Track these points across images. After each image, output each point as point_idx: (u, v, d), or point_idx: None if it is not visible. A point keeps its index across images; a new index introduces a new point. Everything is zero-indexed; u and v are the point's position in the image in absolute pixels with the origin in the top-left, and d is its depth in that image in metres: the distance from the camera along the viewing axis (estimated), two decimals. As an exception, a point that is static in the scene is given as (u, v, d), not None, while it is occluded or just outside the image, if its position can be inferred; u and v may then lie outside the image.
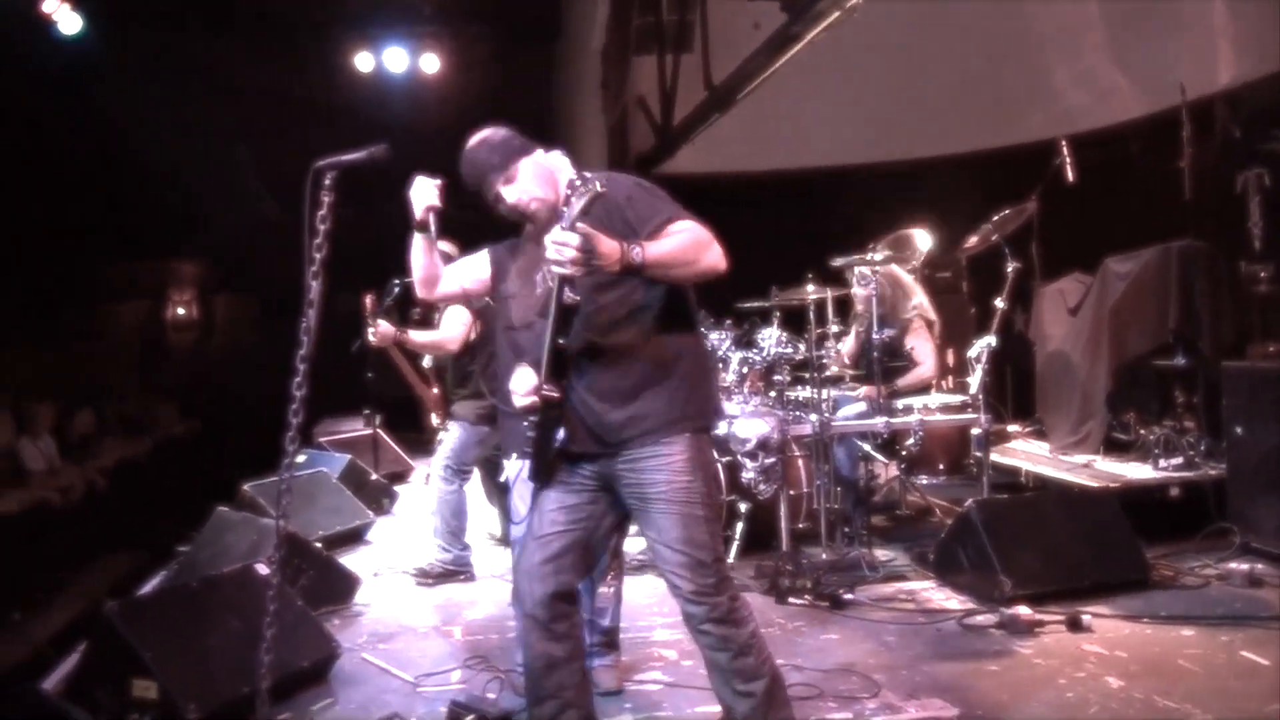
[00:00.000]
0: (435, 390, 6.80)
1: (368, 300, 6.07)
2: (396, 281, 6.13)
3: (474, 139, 3.37)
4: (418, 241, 3.59)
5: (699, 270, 3.04)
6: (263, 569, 4.54)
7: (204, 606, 4.39)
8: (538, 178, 3.29)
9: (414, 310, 6.50)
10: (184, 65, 12.91)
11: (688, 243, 3.01)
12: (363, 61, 12.58)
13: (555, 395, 3.08)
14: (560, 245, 2.82)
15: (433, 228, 3.62)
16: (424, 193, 3.53)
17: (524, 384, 3.19)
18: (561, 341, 3.03)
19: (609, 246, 2.87)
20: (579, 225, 2.82)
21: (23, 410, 10.07)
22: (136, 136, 13.01)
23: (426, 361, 6.66)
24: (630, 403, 3.13)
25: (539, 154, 3.33)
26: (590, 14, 11.90)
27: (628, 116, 11.36)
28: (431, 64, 12.58)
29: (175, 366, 16.45)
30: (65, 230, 13.54)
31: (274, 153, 13.81)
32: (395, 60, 12.49)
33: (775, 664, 3.24)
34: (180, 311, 17.03)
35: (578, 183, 2.86)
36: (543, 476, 3.26)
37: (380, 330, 5.85)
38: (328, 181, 3.72)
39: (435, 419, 6.73)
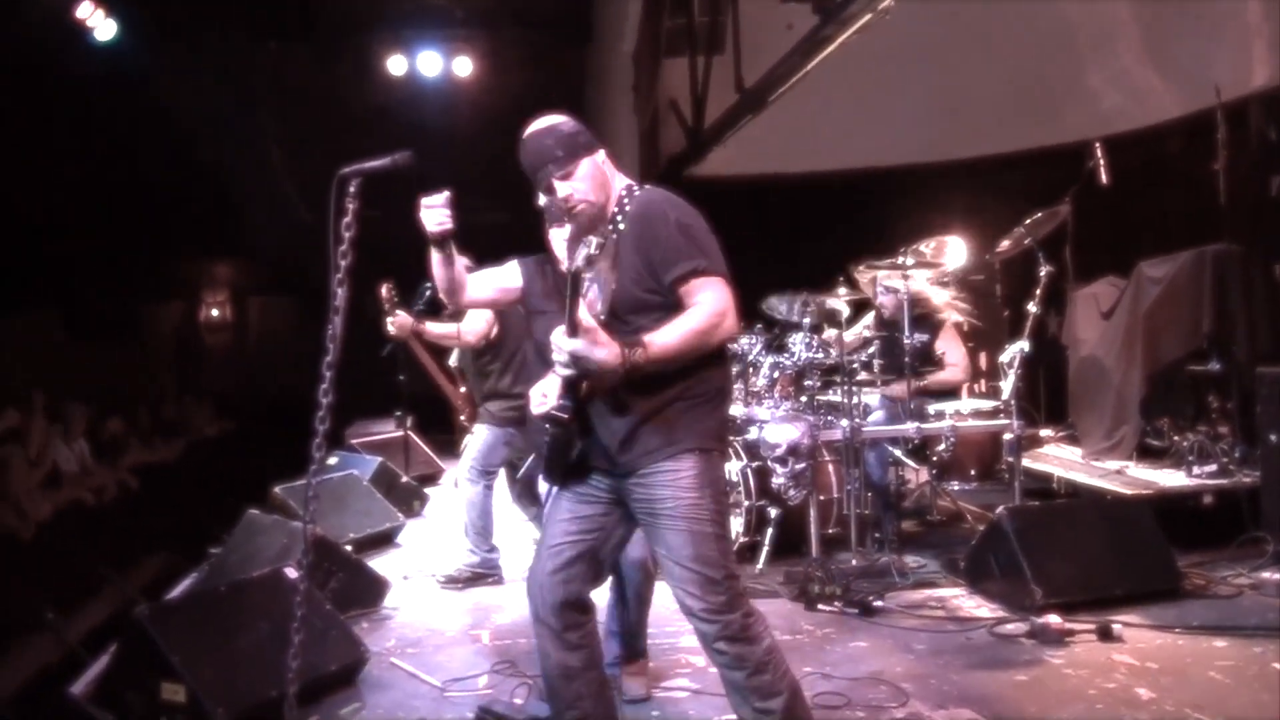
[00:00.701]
0: (463, 389, 6.81)
1: (384, 289, 6.07)
2: (428, 285, 6.16)
3: (541, 123, 3.26)
4: (435, 256, 3.54)
5: (709, 350, 3.05)
6: (292, 572, 4.56)
7: (233, 610, 4.42)
8: (593, 179, 3.19)
9: (445, 312, 6.51)
10: (218, 69, 13.02)
11: (695, 332, 2.98)
12: (396, 65, 12.65)
13: (563, 417, 3.06)
14: (559, 349, 2.87)
15: (448, 243, 3.59)
16: (433, 214, 3.45)
17: (544, 393, 3.19)
18: (584, 386, 3.04)
19: (608, 356, 2.88)
20: (573, 350, 2.84)
21: (57, 411, 10.17)
22: (171, 139, 13.14)
23: (453, 360, 6.66)
24: (643, 423, 3.10)
25: (600, 155, 3.22)
26: (621, 16, 11.90)
27: (659, 119, 11.35)
28: (464, 67, 12.64)
29: (210, 368, 16.59)
30: (100, 231, 13.68)
31: (308, 155, 13.92)
32: (429, 64, 12.55)
33: (794, 678, 3.20)
34: (215, 313, 17.17)
35: (580, 256, 2.78)
36: (556, 480, 3.27)
37: (399, 320, 5.91)
38: (352, 188, 3.75)
39: (463, 417, 6.74)
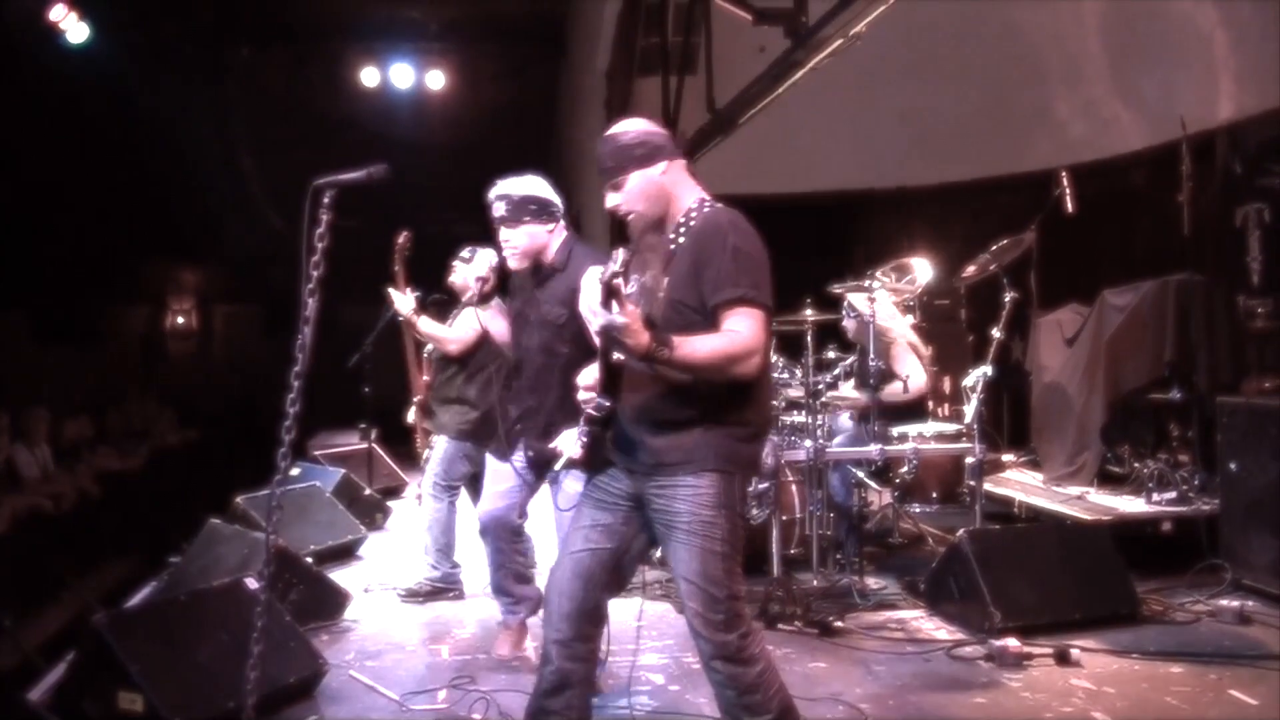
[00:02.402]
0: (425, 378, 6.67)
1: (402, 236, 5.96)
2: (441, 295, 6.19)
3: (611, 130, 3.31)
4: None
5: (725, 378, 3.07)
6: (252, 583, 4.53)
7: (193, 620, 4.38)
8: (643, 192, 3.22)
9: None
10: (191, 75, 12.98)
11: (722, 354, 3.01)
12: (369, 76, 12.64)
13: (595, 414, 3.11)
14: (594, 319, 2.92)
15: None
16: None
17: (584, 387, 3.24)
18: (617, 357, 3.06)
19: (638, 339, 2.90)
20: (617, 315, 2.85)
21: (19, 415, 10.06)
22: (142, 143, 13.07)
23: (427, 349, 6.59)
24: (673, 431, 3.14)
25: (658, 169, 3.22)
26: (595, 34, 11.95)
27: (631, 137, 11.38)
28: (437, 80, 12.65)
29: (174, 375, 16.47)
30: (66, 234, 13.58)
31: (279, 164, 13.89)
32: (401, 76, 12.55)
33: (786, 697, 3.23)
34: (180, 320, 17.06)
35: (616, 262, 2.86)
36: (591, 474, 3.32)
37: (405, 301, 5.76)
38: (326, 199, 3.75)
39: (412, 412, 6.63)
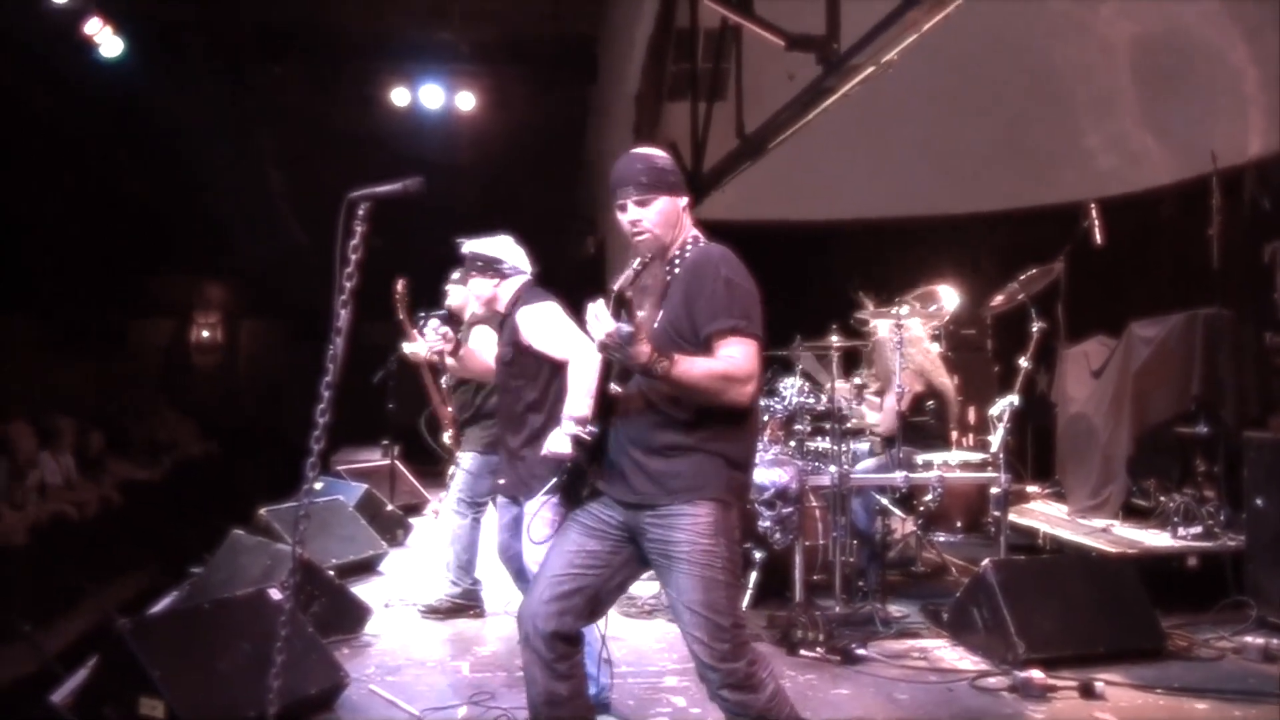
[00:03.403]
0: (450, 409, 6.72)
1: (399, 285, 5.98)
2: (431, 313, 6.14)
3: (642, 149, 3.43)
4: None
5: (718, 403, 3.11)
6: (275, 594, 4.54)
7: (215, 628, 4.40)
8: (665, 217, 3.30)
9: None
10: (222, 90, 13.10)
11: (715, 378, 3.06)
12: (399, 96, 12.72)
13: (586, 440, 3.19)
14: (600, 325, 2.98)
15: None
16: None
17: (574, 411, 3.35)
18: (613, 387, 3.16)
19: (641, 349, 2.97)
20: (616, 330, 2.94)
21: (44, 424, 10.13)
22: (172, 157, 13.19)
23: (444, 378, 6.62)
24: (669, 459, 3.16)
25: (682, 201, 3.34)
26: (626, 58, 12.02)
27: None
28: (467, 102, 12.71)
29: (198, 388, 16.56)
30: (94, 246, 13.69)
31: (307, 180, 13.98)
32: (431, 96, 12.62)
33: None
34: (205, 334, 17.15)
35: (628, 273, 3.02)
36: (570, 505, 3.33)
37: (415, 351, 5.81)
38: (361, 212, 3.78)
39: (447, 437, 6.67)
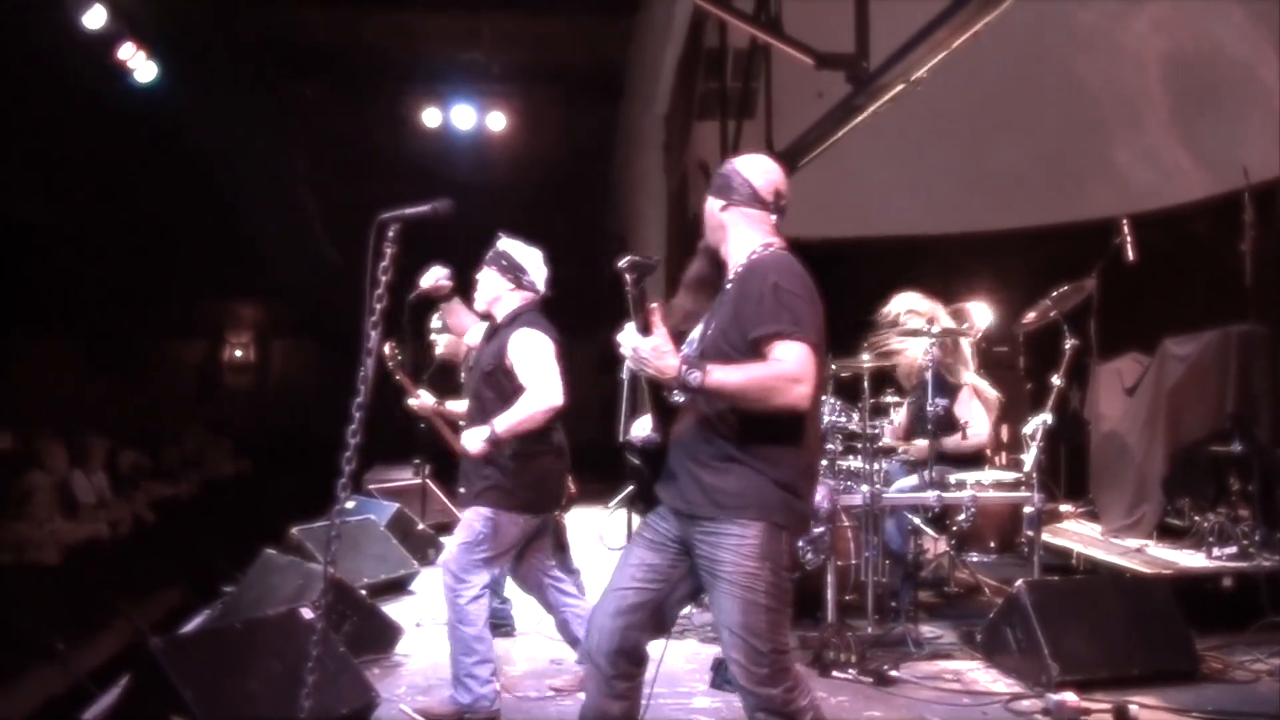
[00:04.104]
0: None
1: (386, 347, 5.83)
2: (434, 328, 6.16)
3: (736, 159, 3.46)
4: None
5: (768, 409, 3.04)
6: (307, 613, 4.55)
7: (247, 648, 4.41)
8: (710, 219, 3.41)
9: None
10: (255, 112, 13.24)
11: (758, 381, 3.02)
12: (430, 116, 12.81)
13: (644, 449, 3.30)
14: (625, 343, 3.07)
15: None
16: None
17: (641, 427, 3.38)
18: (675, 397, 3.22)
19: (666, 365, 3.00)
20: (637, 347, 3.03)
21: (77, 443, 10.23)
22: (205, 178, 13.34)
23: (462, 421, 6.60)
24: (717, 472, 3.14)
25: (717, 204, 3.36)
26: (655, 78, 12.07)
27: (689, 179, 11.47)
28: (498, 122, 12.79)
29: (230, 407, 16.68)
30: (127, 268, 13.85)
31: (339, 201, 14.11)
32: (462, 117, 12.70)
33: None
34: (238, 353, 17.29)
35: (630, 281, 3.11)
36: (641, 510, 3.46)
37: (421, 403, 5.74)
38: (391, 233, 3.81)
39: None
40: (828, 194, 10.10)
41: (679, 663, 5.43)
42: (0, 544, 8.87)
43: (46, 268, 12.34)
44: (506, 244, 4.84)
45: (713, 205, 3.37)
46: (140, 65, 10.57)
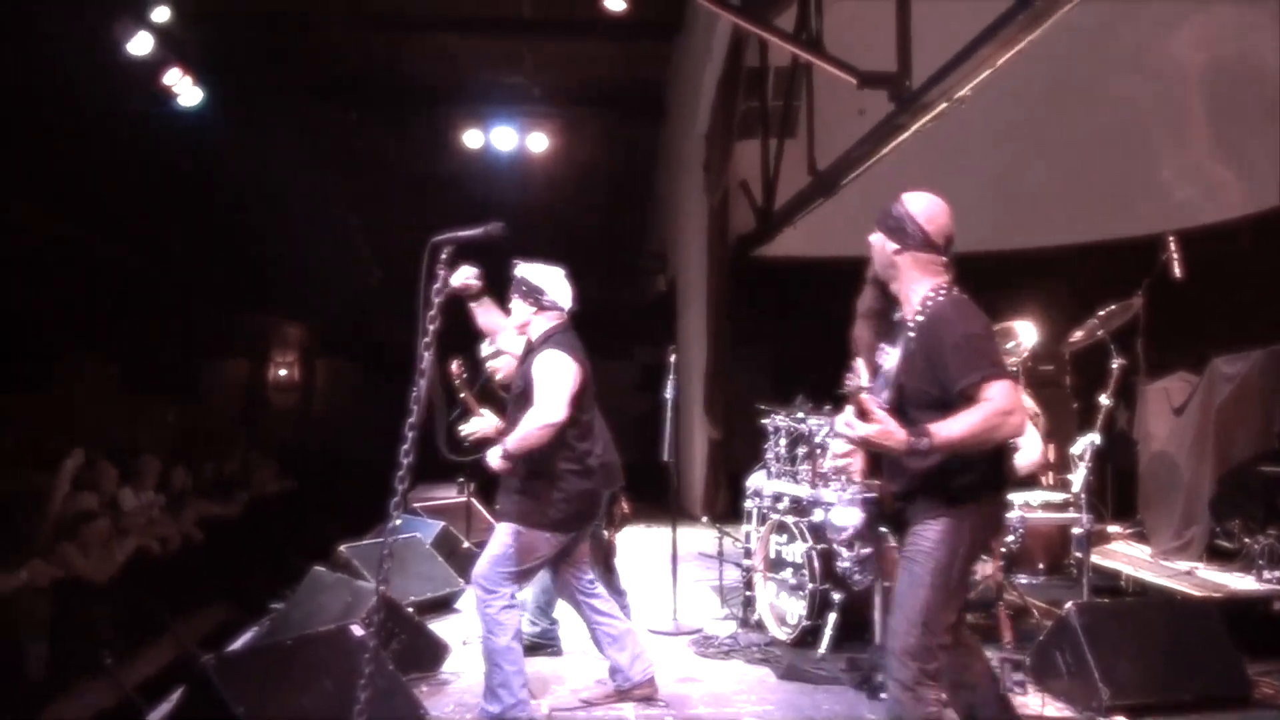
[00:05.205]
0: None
1: (454, 365, 5.80)
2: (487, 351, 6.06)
3: (904, 196, 3.74)
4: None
5: (992, 445, 3.40)
6: (358, 630, 4.59)
7: (298, 665, 4.45)
8: (876, 253, 3.70)
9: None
10: (298, 134, 13.40)
11: (978, 426, 3.31)
12: (472, 138, 12.90)
13: (871, 497, 3.74)
14: (851, 431, 3.40)
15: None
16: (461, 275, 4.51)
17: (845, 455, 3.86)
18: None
19: (895, 443, 3.32)
20: (864, 434, 3.36)
21: (126, 460, 10.35)
22: (250, 201, 13.51)
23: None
24: (922, 489, 3.50)
25: (891, 246, 3.62)
26: (695, 98, 12.11)
27: (729, 198, 11.48)
28: (538, 143, 12.86)
29: (275, 426, 16.82)
30: (173, 290, 14.04)
31: (381, 222, 14.25)
32: (503, 138, 12.78)
33: None
34: (282, 373, 17.44)
35: (850, 380, 3.47)
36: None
37: (484, 424, 5.60)
38: (444, 256, 3.86)
39: None
40: (872, 212, 10.08)
41: (727, 685, 5.42)
42: (53, 561, 8.97)
43: (94, 289, 12.53)
44: (523, 269, 4.94)
45: (885, 245, 3.62)
46: (185, 90, 10.73)
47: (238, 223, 13.73)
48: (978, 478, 3.47)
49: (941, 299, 3.52)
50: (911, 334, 3.53)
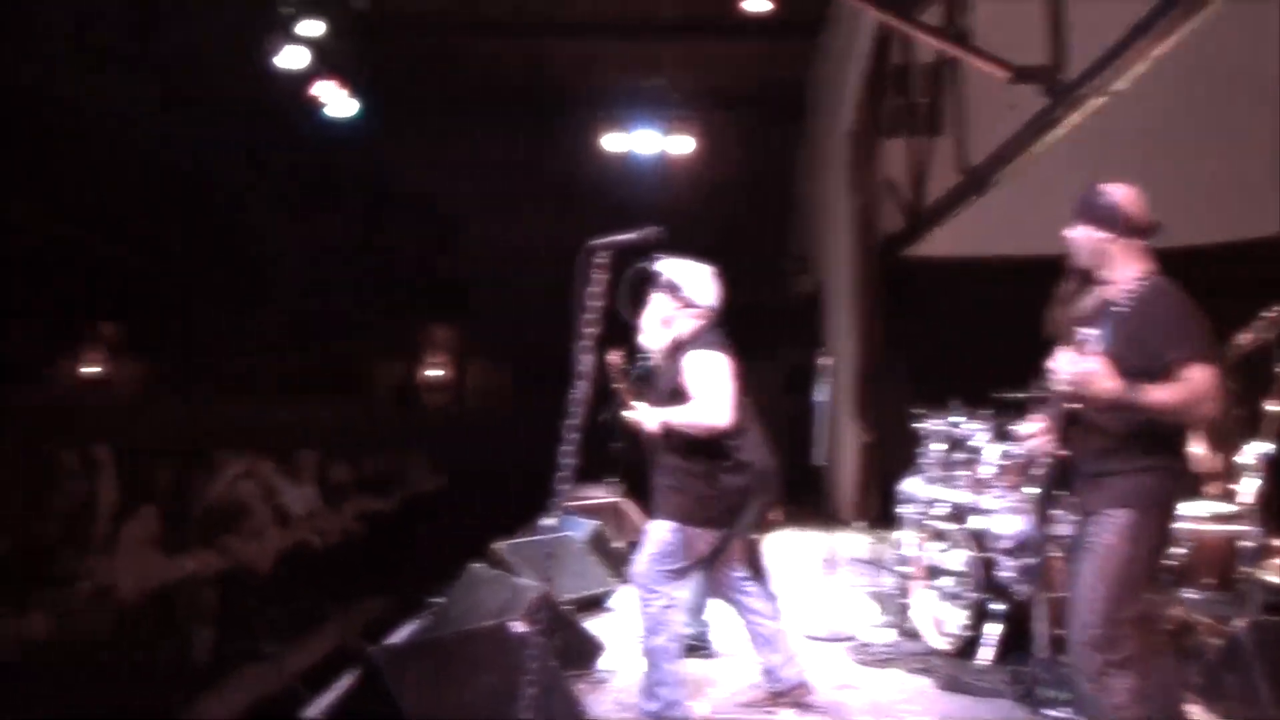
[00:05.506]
0: None
1: (614, 356, 5.60)
2: (644, 356, 5.99)
3: (1103, 187, 3.95)
4: None
5: (1183, 419, 3.61)
6: (518, 627, 4.67)
7: (460, 660, 4.54)
8: (1079, 244, 3.92)
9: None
10: (445, 145, 13.75)
11: (1182, 400, 3.50)
12: (613, 142, 13.01)
13: (1059, 454, 3.81)
14: (1066, 369, 3.57)
15: None
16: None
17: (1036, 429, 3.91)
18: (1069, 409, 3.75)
19: (1109, 386, 3.50)
20: (1081, 371, 3.52)
21: (289, 456, 10.79)
22: (399, 208, 13.92)
23: None
24: (1109, 476, 3.65)
25: (1101, 234, 3.84)
26: (839, 97, 12.01)
27: (876, 198, 11.35)
28: (680, 146, 12.90)
29: (428, 425, 17.25)
30: (333, 294, 14.57)
31: (526, 227, 14.51)
32: (645, 142, 12.86)
33: None
34: (434, 373, 17.89)
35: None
36: (1040, 515, 4.17)
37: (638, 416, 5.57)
38: (601, 260, 3.93)
39: None
40: (1024, 210, 9.80)
41: (889, 693, 5.37)
42: (216, 551, 9.40)
43: (262, 298, 13.09)
44: (662, 264, 4.92)
45: (1094, 234, 3.82)
46: (341, 102, 11.09)
47: (388, 228, 14.16)
48: (1163, 470, 3.62)
49: (1156, 280, 3.73)
50: (1123, 308, 3.70)
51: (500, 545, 6.81)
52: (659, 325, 4.95)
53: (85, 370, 16.86)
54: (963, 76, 9.43)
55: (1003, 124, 7.95)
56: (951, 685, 5.45)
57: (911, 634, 6.28)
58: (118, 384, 16.60)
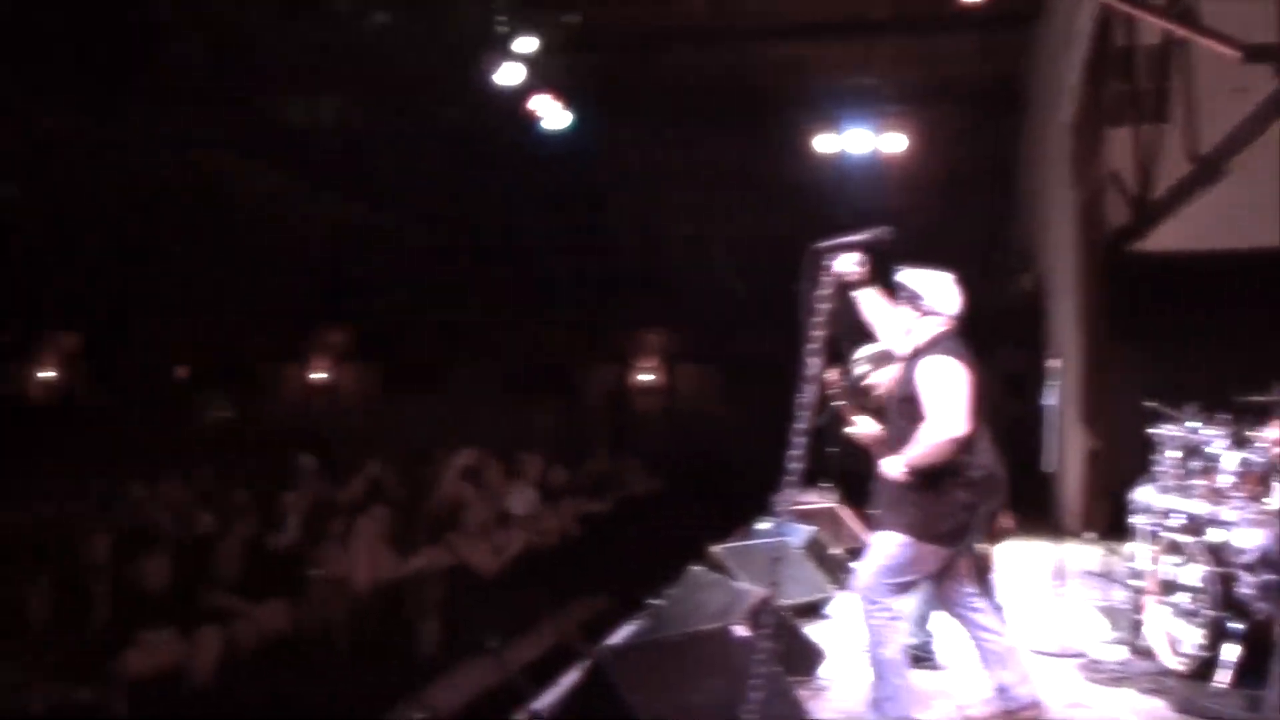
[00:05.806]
0: None
1: (832, 375, 5.67)
2: (860, 359, 5.91)
3: None
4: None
5: None
6: (741, 631, 4.69)
7: (685, 662, 4.61)
8: None
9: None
10: (656, 148, 13.94)
11: None
12: (825, 142, 12.91)
13: None
14: None
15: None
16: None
17: None
18: None
19: None
20: None
21: (512, 460, 11.18)
22: (612, 215, 14.21)
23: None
24: None
25: None
26: (1058, 86, 11.58)
27: (1101, 191, 10.90)
28: (893, 144, 12.69)
29: (641, 428, 17.53)
30: (552, 303, 15.01)
31: (737, 230, 14.57)
32: (857, 141, 12.71)
33: None
34: (646, 378, 18.18)
35: None
36: None
37: (861, 431, 5.49)
38: (828, 263, 3.93)
39: None
40: (1261, 199, 9.26)
41: (1123, 714, 5.16)
42: (442, 549, 9.81)
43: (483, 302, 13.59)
44: (903, 274, 4.88)
45: None
46: (554, 114, 11.40)
47: (604, 236, 14.47)
48: None
49: None
50: None
51: (718, 549, 6.86)
52: (902, 337, 4.90)
53: (314, 376, 18.00)
54: (1190, 59, 8.97)
55: (1234, 108, 7.54)
56: (1187, 708, 5.16)
57: (1144, 652, 5.96)
58: (344, 388, 17.65)
